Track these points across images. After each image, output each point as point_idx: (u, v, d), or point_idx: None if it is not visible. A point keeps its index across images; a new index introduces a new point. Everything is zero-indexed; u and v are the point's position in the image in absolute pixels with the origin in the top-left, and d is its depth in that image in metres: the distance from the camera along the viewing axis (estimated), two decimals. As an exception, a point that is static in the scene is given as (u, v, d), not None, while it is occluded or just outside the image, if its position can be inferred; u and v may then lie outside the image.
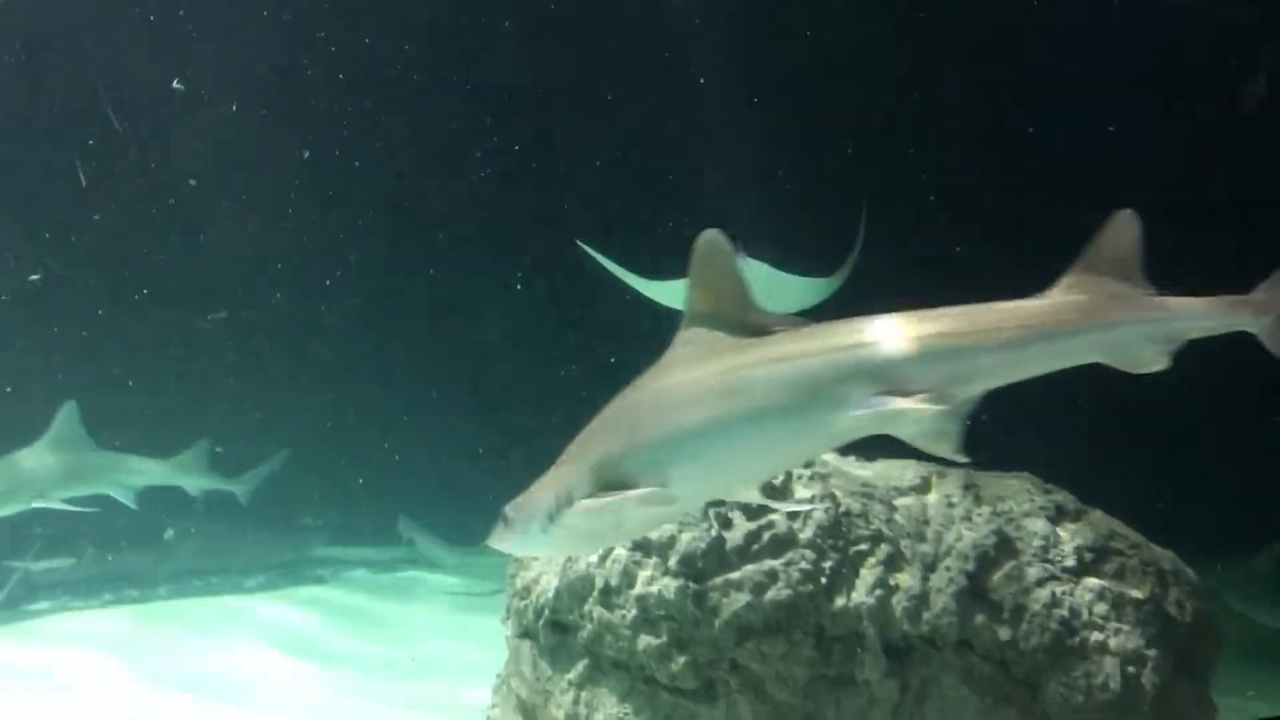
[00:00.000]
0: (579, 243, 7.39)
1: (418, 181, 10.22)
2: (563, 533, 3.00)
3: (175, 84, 9.30)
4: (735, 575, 4.29)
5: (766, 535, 4.34)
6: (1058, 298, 3.03)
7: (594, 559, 4.44)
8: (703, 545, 4.33)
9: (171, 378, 10.38)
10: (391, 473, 10.72)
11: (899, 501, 4.58)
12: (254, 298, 10.53)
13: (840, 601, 4.28)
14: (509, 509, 3.10)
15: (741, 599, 4.26)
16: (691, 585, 4.29)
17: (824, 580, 4.29)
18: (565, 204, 9.84)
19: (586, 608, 4.43)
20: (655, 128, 9.64)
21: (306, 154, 10.03)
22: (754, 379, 2.93)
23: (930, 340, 2.90)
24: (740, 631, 4.25)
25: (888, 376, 2.86)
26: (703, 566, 4.32)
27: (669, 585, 4.30)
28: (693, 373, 2.99)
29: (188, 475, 9.20)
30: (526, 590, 4.66)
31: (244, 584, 10.14)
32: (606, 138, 9.74)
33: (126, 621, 8.81)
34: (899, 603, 4.30)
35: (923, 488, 4.65)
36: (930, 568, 4.37)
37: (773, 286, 6.84)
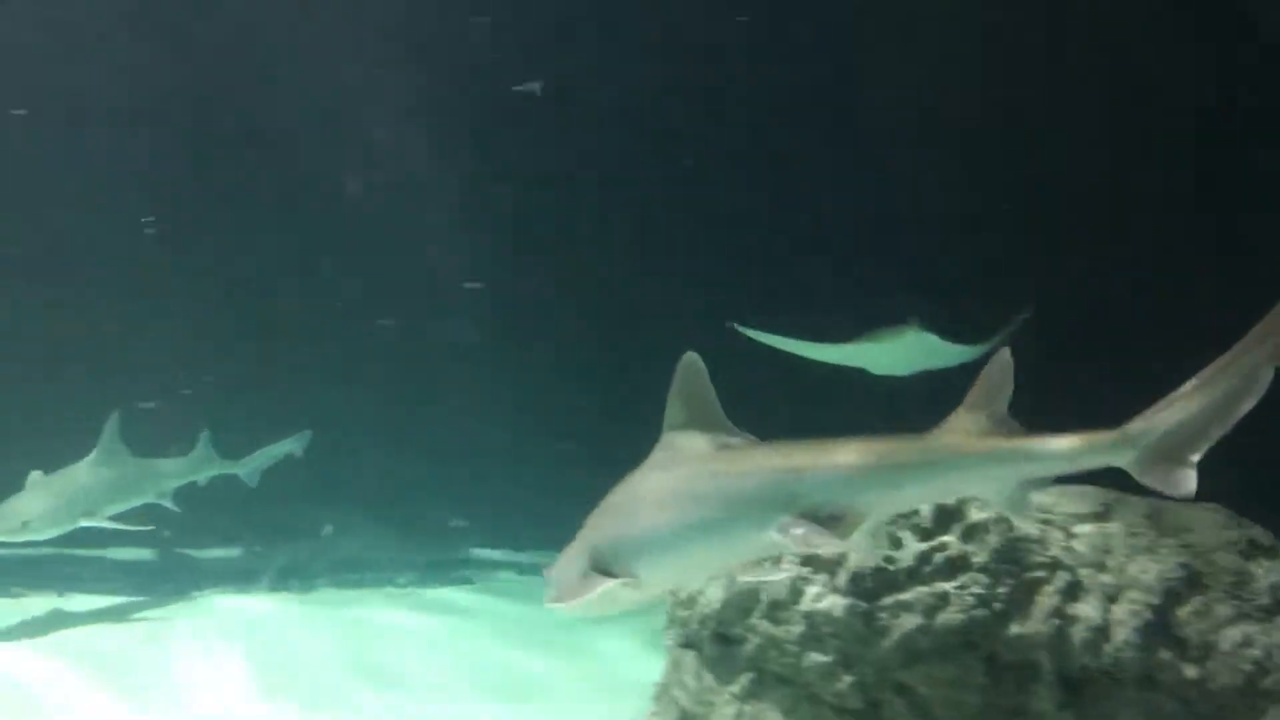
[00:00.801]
0: (736, 326, 8.01)
1: (598, 196, 10.39)
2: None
3: (527, 86, 9.58)
4: (906, 596, 4.22)
5: (939, 557, 4.26)
6: (933, 437, 3.17)
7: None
8: (872, 564, 4.27)
9: (339, 377, 10.71)
10: (544, 480, 10.87)
11: (1078, 529, 4.43)
12: (423, 305, 10.81)
13: (1015, 629, 4.17)
14: (545, 572, 3.59)
15: (911, 621, 4.19)
16: (860, 604, 4.24)
17: (998, 605, 4.19)
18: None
19: (752, 621, 4.42)
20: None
21: (498, 164, 10.30)
22: (700, 492, 3.31)
23: (822, 475, 3.18)
24: (909, 654, 4.17)
25: (796, 505, 3.15)
26: (872, 586, 4.26)
27: (837, 603, 4.25)
28: (662, 479, 3.41)
29: (207, 468, 9.28)
30: (691, 601, 4.67)
31: (396, 579, 10.47)
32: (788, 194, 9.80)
33: (283, 608, 9.24)
34: (1077, 633, 4.16)
35: (1104, 515, 4.49)
36: (1112, 599, 4.21)
37: (935, 351, 7.81)
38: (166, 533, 10.30)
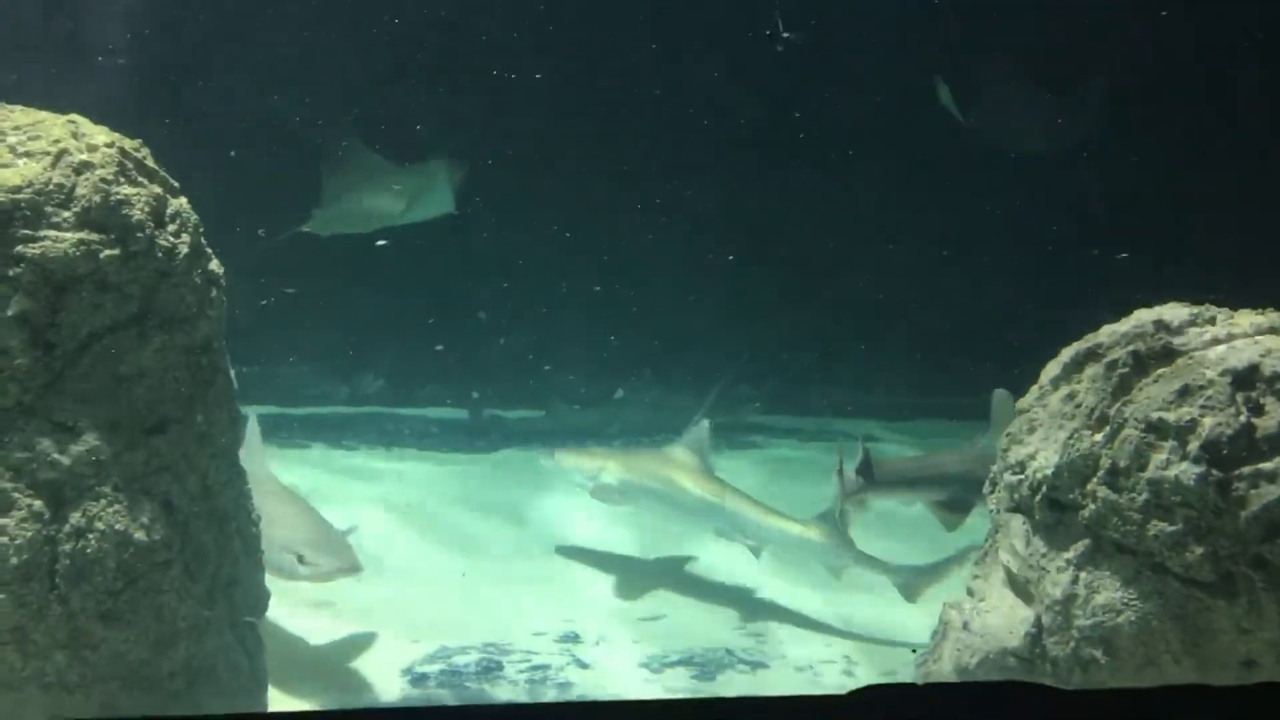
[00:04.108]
0: None
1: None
2: None
3: None
4: (1267, 465, 3.94)
5: (1308, 425, 3.93)
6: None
7: (1100, 438, 4.25)
8: (1229, 431, 4.00)
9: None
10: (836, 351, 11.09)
11: None
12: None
13: (1397, 503, 3.82)
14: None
15: (1273, 492, 3.91)
16: (1214, 473, 3.99)
17: (1377, 479, 3.84)
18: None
19: (1089, 487, 4.25)
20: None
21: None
22: None
23: None
24: (1270, 526, 3.90)
25: None
26: (1228, 454, 4.00)
27: (1188, 471, 4.02)
28: None
29: None
30: (1021, 465, 4.55)
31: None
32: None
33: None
34: None
35: None
36: None
37: None
38: (475, 394, 11.10)
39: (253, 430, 6.08)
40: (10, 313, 3.80)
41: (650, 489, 7.45)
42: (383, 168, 9.64)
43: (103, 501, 3.93)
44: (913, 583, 6.48)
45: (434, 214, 9.72)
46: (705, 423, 7.58)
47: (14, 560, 3.77)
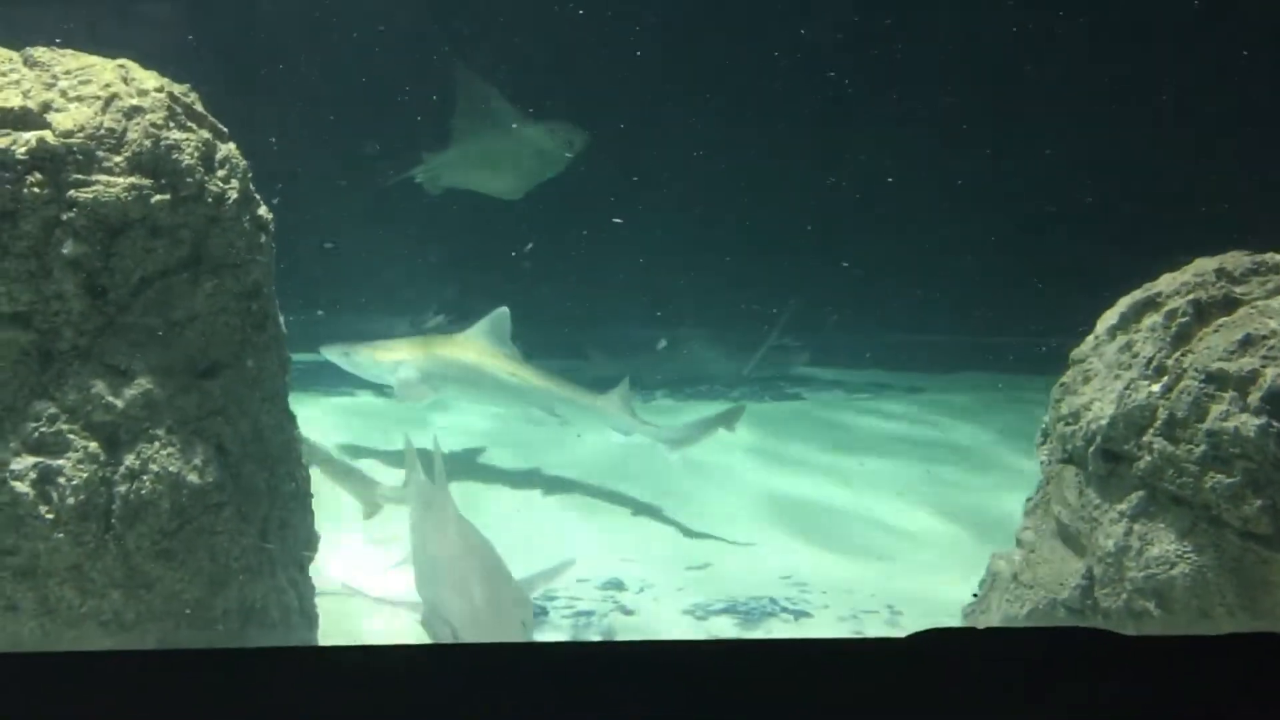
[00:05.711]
0: None
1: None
2: None
3: None
4: (1331, 417, 3.85)
5: (1375, 376, 3.83)
6: None
7: (1157, 389, 4.16)
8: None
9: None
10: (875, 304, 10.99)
11: None
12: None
13: None
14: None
15: (1337, 444, 3.82)
16: (1275, 424, 3.91)
17: None
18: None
19: (1146, 439, 4.18)
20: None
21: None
22: None
23: None
24: (1332, 479, 3.83)
25: None
26: (1290, 405, 3.91)
27: (1248, 423, 3.94)
28: None
29: None
30: (1075, 416, 4.48)
31: (729, 394, 10.80)
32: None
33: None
34: None
35: None
36: None
37: None
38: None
39: (436, 453, 5.60)
40: (65, 251, 3.83)
41: (453, 375, 7.94)
42: (511, 120, 9.73)
43: (156, 444, 3.97)
44: (677, 439, 7.66)
45: (542, 179, 9.85)
46: (504, 308, 8.04)
47: (71, 500, 3.83)
